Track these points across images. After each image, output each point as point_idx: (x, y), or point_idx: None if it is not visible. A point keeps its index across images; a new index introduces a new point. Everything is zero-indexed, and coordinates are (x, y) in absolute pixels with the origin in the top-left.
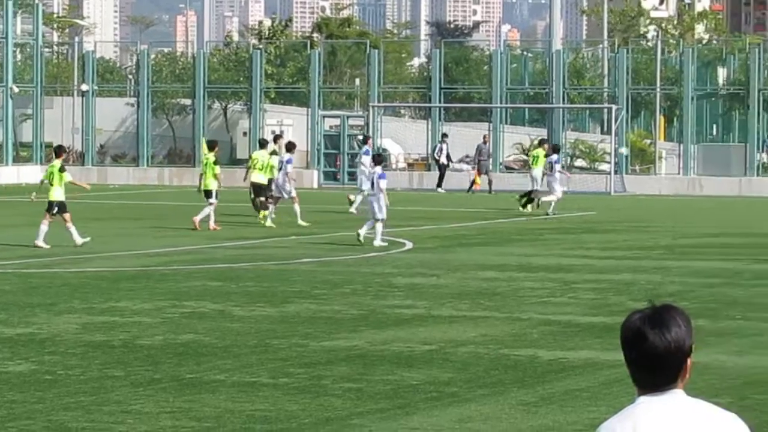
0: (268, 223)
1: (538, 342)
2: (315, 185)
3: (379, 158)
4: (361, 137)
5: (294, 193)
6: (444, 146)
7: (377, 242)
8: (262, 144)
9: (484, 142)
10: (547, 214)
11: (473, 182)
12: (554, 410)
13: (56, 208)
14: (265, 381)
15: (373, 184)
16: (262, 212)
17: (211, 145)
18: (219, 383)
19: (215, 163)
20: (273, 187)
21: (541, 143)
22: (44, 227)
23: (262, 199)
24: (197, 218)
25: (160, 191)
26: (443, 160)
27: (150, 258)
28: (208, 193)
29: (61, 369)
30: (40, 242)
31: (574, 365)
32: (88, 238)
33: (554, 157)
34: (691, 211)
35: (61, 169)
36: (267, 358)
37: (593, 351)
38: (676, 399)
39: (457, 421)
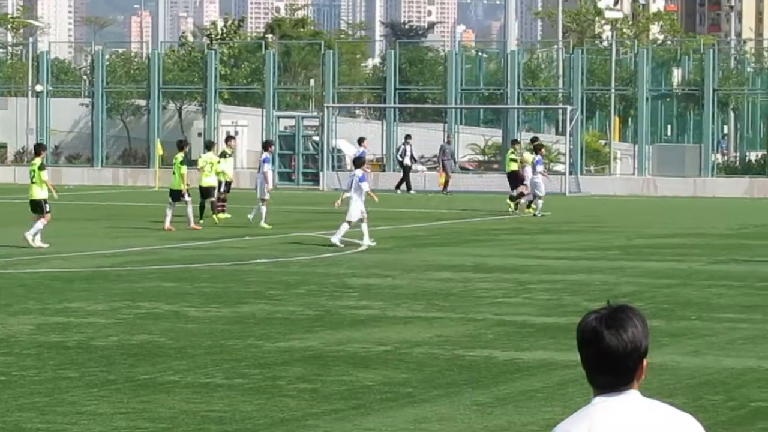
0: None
1: (493, 342)
2: (270, 186)
3: (360, 161)
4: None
5: (267, 195)
6: (408, 148)
7: (334, 239)
8: (209, 146)
9: (448, 142)
10: (535, 215)
11: (445, 182)
12: (509, 411)
13: (47, 207)
14: (219, 382)
15: (350, 185)
16: (219, 215)
17: (181, 145)
18: (174, 384)
19: (182, 162)
20: (255, 189)
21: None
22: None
23: (213, 200)
24: (192, 223)
25: (115, 192)
26: (407, 161)
27: (105, 258)
28: (174, 194)
29: (16, 370)
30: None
31: (529, 366)
32: (46, 245)
33: (537, 157)
34: (646, 211)
35: (41, 167)
36: (222, 359)
37: (548, 351)
38: (631, 399)
39: (412, 422)
